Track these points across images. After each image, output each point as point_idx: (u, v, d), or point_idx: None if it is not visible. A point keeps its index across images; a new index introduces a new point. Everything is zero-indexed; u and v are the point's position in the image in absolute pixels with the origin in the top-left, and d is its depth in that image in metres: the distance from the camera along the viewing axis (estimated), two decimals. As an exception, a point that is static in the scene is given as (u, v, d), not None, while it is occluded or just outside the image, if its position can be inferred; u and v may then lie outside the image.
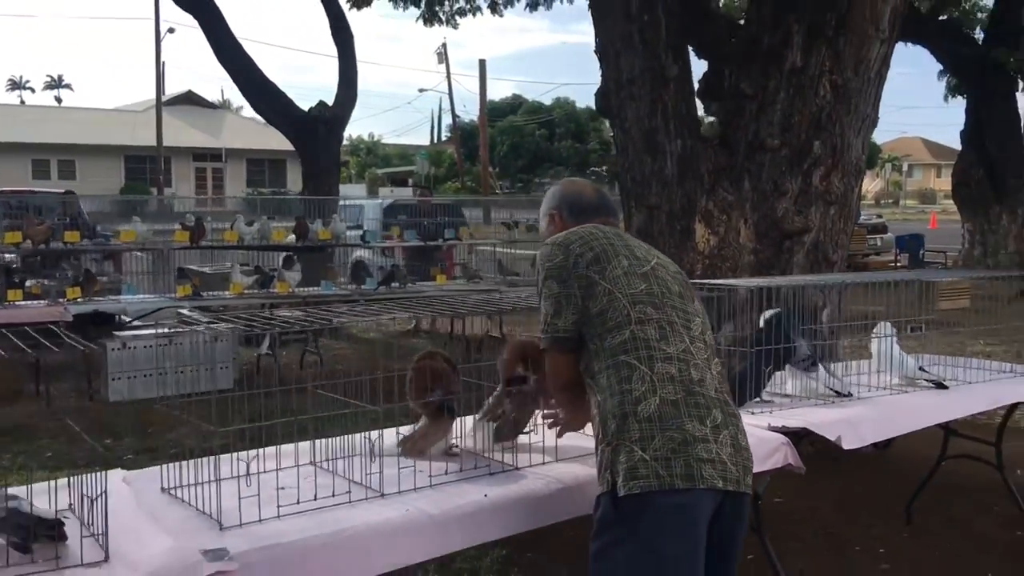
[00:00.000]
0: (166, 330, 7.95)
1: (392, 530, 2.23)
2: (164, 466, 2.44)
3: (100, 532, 2.04)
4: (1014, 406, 4.22)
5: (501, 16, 20.44)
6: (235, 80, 11.30)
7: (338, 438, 2.54)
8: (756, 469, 2.41)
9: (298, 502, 2.26)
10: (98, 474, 2.11)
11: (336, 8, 12.25)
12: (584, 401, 2.45)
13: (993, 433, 4.43)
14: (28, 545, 2.05)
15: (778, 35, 5.33)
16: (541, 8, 15.88)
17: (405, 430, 2.87)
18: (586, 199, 2.69)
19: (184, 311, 7.80)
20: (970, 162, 17.67)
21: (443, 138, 60.32)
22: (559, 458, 2.74)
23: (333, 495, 2.29)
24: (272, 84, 11.47)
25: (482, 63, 37.05)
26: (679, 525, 2.15)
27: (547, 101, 56.65)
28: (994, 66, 16.24)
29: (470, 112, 67.00)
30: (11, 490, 2.16)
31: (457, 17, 18.13)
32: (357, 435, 2.50)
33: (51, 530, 2.06)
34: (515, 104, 56.06)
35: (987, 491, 4.73)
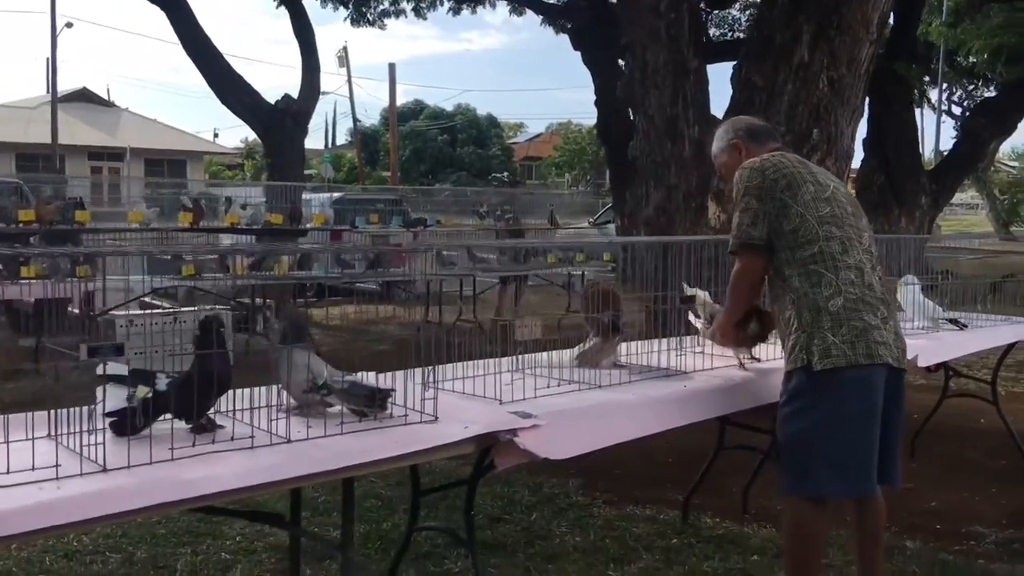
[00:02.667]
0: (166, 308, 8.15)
1: (630, 407, 2.78)
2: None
3: (430, 398, 2.50)
4: (1011, 345, 5.03)
5: (425, 19, 20.87)
6: (203, 73, 11.42)
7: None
8: None
9: (547, 386, 2.79)
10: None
11: (298, 5, 12.51)
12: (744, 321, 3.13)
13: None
14: (363, 410, 2.50)
15: (789, 33, 6.04)
16: (436, 14, 16.47)
17: (577, 348, 3.40)
18: (758, 124, 3.35)
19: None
20: (872, 168, 19.02)
21: (338, 142, 59.92)
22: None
23: (577, 383, 2.83)
24: (240, 78, 11.65)
25: (391, 66, 37.23)
26: (862, 391, 2.83)
27: (448, 107, 57.12)
28: (894, 77, 17.66)
29: (371, 116, 66.76)
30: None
31: (383, 19, 18.59)
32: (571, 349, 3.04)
33: (385, 397, 2.51)
34: (416, 109, 56.24)
35: (981, 429, 5.54)
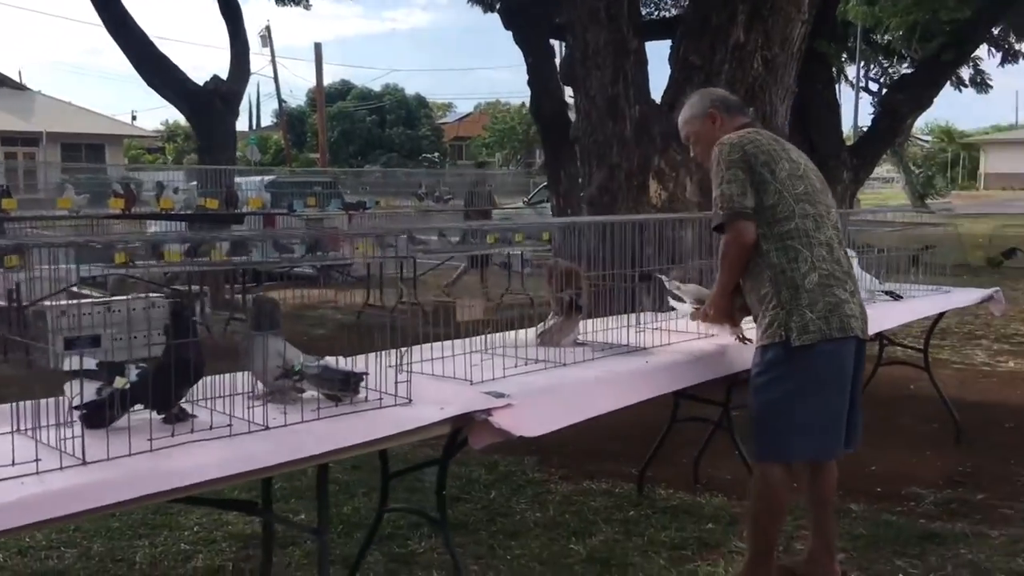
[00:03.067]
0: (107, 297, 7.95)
1: (598, 384, 2.85)
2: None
3: (403, 381, 2.52)
4: (941, 314, 5.24)
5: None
6: (128, 55, 11.10)
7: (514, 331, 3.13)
8: None
9: (515, 366, 2.83)
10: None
11: (225, -16, 12.24)
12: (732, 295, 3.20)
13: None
14: (336, 394, 2.51)
15: (725, 14, 6.15)
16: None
17: (538, 327, 3.45)
18: (732, 97, 3.44)
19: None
20: (795, 144, 19.49)
21: (263, 124, 58.85)
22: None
23: (544, 362, 2.87)
24: (167, 59, 11.37)
25: (318, 46, 36.66)
26: (834, 362, 2.98)
27: (376, 87, 56.50)
28: (815, 56, 18.06)
29: (296, 98, 65.64)
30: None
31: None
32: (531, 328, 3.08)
33: (358, 381, 2.52)
34: (344, 90, 55.50)
35: (912, 395, 5.77)
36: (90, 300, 8.10)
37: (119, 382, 2.17)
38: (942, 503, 4.18)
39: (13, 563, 3.55)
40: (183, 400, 2.34)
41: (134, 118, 67.74)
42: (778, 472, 3.03)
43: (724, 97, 3.43)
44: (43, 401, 2.20)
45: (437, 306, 8.54)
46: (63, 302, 7.92)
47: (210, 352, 2.56)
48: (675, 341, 3.45)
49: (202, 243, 8.45)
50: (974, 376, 6.96)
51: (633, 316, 3.62)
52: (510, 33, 15.46)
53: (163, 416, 2.29)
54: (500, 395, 2.54)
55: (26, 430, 2.13)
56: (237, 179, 13.79)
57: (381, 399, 2.45)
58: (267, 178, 14.51)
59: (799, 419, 2.96)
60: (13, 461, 1.87)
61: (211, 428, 2.15)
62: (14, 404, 2.21)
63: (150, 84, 11.41)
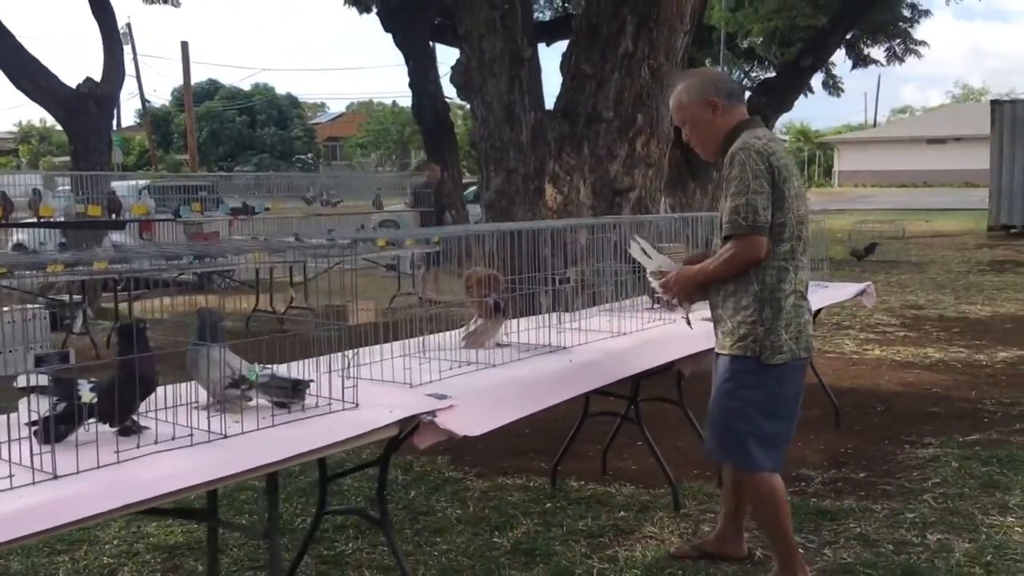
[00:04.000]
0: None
1: (529, 383, 3.02)
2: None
3: (350, 386, 2.62)
4: (818, 310, 5.64)
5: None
6: (-6, 55, 10.61)
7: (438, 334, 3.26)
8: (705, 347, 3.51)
9: (449, 368, 2.97)
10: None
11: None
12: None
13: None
14: (285, 402, 2.59)
15: (615, 24, 6.42)
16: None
17: (462, 330, 3.60)
18: (732, 82, 3.36)
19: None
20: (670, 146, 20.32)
21: (124, 124, 56.59)
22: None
23: (474, 363, 3.02)
24: (36, 60, 10.90)
25: (184, 44, 35.39)
26: (797, 379, 3.20)
27: (245, 87, 55.12)
28: (689, 62, 18.83)
29: (160, 97, 63.30)
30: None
31: (178, -3, 17.85)
32: (452, 331, 3.22)
33: (305, 388, 2.61)
34: (211, 89, 53.87)
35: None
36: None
37: (87, 396, 2.19)
38: (829, 482, 4.53)
39: (-75, 587, 3.45)
40: (134, 412, 2.37)
41: (-18, 118, 63.82)
42: (767, 478, 3.19)
43: (727, 83, 3.29)
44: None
45: (328, 310, 8.54)
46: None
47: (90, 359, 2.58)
48: (590, 340, 3.65)
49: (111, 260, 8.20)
50: (845, 364, 7.48)
51: (553, 316, 3.79)
52: (383, 33, 15.45)
53: (117, 429, 2.32)
54: (443, 396, 2.67)
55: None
56: (114, 183, 13.38)
57: (330, 404, 2.54)
58: (141, 183, 14.10)
59: (761, 431, 3.12)
60: (-13, 478, 1.89)
61: (173, 439, 2.20)
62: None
63: (17, 86, 10.91)
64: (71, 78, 12.67)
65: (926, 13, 18.80)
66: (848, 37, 18.13)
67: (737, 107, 3.22)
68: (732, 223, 3.05)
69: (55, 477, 1.95)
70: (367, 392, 2.68)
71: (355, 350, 2.69)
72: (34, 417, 2.22)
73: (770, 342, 3.09)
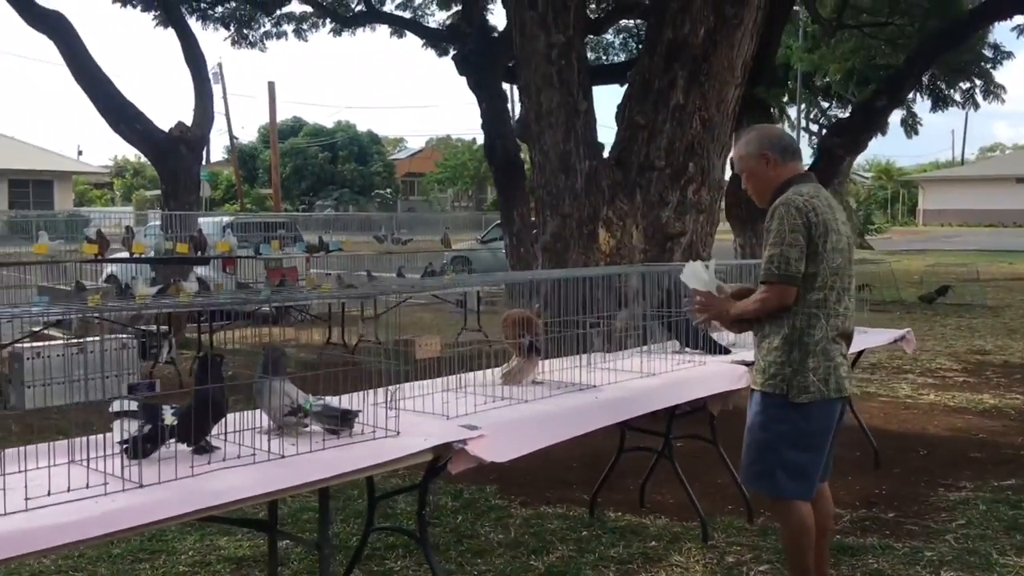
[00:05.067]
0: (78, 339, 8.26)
1: (555, 416, 3.35)
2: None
3: (392, 415, 2.98)
4: (859, 353, 5.83)
5: (306, 41, 21.14)
6: (94, 101, 11.44)
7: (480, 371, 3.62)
8: (729, 388, 3.75)
9: (484, 403, 3.32)
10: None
11: (188, 32, 12.66)
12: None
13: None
14: (336, 428, 2.97)
15: (666, 79, 6.76)
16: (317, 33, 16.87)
17: (500, 368, 3.95)
18: (787, 140, 3.56)
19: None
20: (739, 185, 20.34)
21: (213, 159, 58.88)
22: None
23: (508, 399, 3.37)
24: (132, 105, 11.72)
25: (271, 84, 36.97)
26: (825, 418, 3.42)
27: (328, 124, 56.90)
28: (755, 102, 18.97)
29: (247, 133, 65.63)
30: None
31: (264, 41, 18.82)
32: (489, 370, 3.57)
33: (353, 417, 2.99)
34: (296, 126, 55.82)
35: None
36: (63, 342, 8.40)
37: (168, 419, 2.60)
38: (857, 521, 4.73)
39: (27, 586, 3.91)
40: (208, 434, 2.78)
41: (80, 153, 67.21)
42: (797, 507, 3.42)
43: (781, 140, 3.55)
44: (92, 437, 2.62)
45: (397, 344, 8.97)
46: (35, 344, 8.22)
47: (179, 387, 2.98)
48: (620, 380, 3.97)
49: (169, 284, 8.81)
50: (896, 408, 7.58)
51: (584, 357, 4.12)
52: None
53: (192, 448, 2.73)
54: (473, 427, 3.02)
55: (80, 460, 2.55)
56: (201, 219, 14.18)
57: (374, 432, 2.92)
58: (225, 219, 14.90)
59: (786, 460, 3.38)
60: (87, 484, 2.31)
61: (239, 457, 2.60)
62: (70, 439, 2.63)
63: (115, 130, 11.75)
64: (160, 110, 13.52)
65: (1009, 55, 18.56)
66: (927, 77, 18.04)
67: (790, 163, 3.51)
68: (767, 271, 3.35)
69: (141, 486, 2.36)
70: (408, 422, 3.04)
71: (398, 386, 3.05)
72: (125, 436, 2.64)
73: (797, 382, 3.36)
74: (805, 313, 3.35)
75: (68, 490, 2.28)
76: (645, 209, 6.99)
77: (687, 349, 4.65)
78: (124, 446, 2.65)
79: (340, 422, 2.95)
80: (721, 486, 5.06)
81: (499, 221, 17.83)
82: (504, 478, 5.37)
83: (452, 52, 17.15)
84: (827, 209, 3.37)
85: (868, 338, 5.69)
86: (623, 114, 7.07)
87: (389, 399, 2.98)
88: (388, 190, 54.51)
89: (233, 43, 18.38)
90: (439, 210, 48.82)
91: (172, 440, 2.71)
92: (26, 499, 2.18)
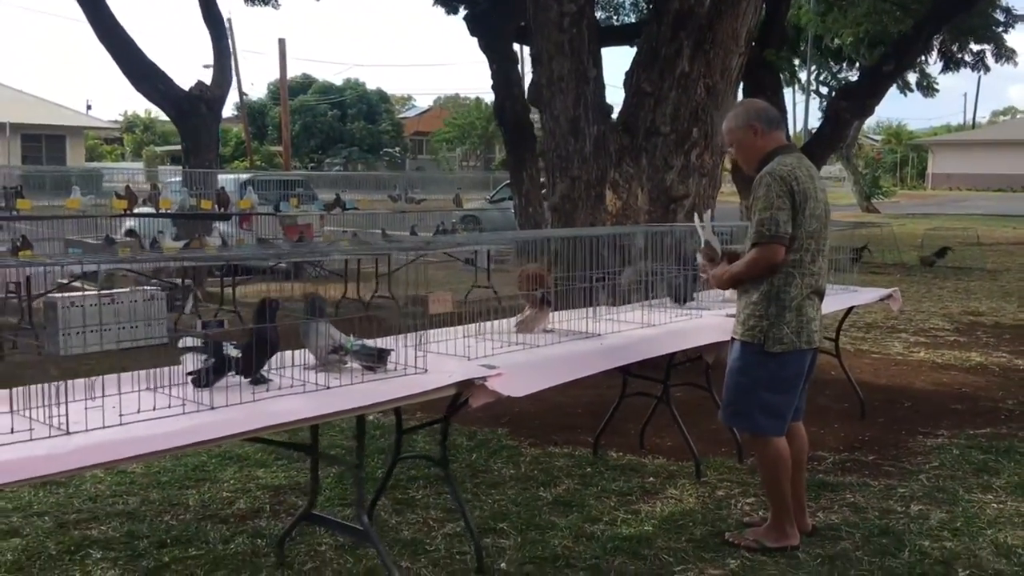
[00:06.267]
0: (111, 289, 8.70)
1: (563, 358, 3.76)
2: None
3: (421, 355, 3.39)
4: (849, 309, 6.22)
5: (319, 1, 21.12)
6: (118, 61, 11.76)
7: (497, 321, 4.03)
8: (723, 339, 4.15)
9: (501, 347, 3.73)
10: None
11: (207, -7, 12.94)
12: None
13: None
14: (372, 365, 3.38)
15: (673, 47, 7.08)
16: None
17: (515, 318, 4.35)
18: (772, 112, 3.91)
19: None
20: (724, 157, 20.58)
21: (222, 116, 58.99)
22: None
23: (522, 344, 3.78)
24: (154, 65, 12.04)
25: (281, 41, 37.11)
26: (797, 365, 3.85)
27: (337, 82, 56.93)
28: (764, 64, 19.12)
29: (256, 90, 65.62)
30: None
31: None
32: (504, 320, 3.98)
33: (387, 355, 3.40)
34: (305, 84, 55.84)
35: (831, 379, 6.75)
36: (96, 292, 8.82)
37: (233, 352, 3.02)
38: (839, 463, 5.15)
39: (88, 507, 4.36)
40: (264, 368, 3.19)
41: (89, 107, 67.34)
42: (773, 442, 3.85)
43: (765, 111, 3.88)
44: (158, 370, 3.04)
45: (411, 299, 9.37)
46: (69, 294, 8.64)
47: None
48: (623, 329, 4.37)
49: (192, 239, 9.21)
50: (887, 364, 7.98)
51: (590, 309, 4.53)
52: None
53: (250, 379, 3.14)
54: (492, 367, 3.43)
55: (157, 388, 2.97)
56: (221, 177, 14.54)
57: (405, 369, 3.33)
58: (243, 176, 15.25)
59: (763, 401, 3.80)
60: (169, 405, 2.73)
61: (292, 387, 3.02)
62: (145, 370, 3.05)
63: (137, 89, 12.08)
64: (178, 68, 13.77)
65: (1021, 19, 18.61)
66: (938, 40, 18.13)
67: (775, 132, 3.88)
68: (758, 233, 3.74)
69: (212, 408, 2.77)
70: (434, 362, 3.45)
71: (427, 330, 3.46)
72: (193, 368, 3.05)
73: (772, 334, 3.77)
74: (783, 272, 3.74)
75: (154, 409, 2.70)
76: (651, 172, 7.33)
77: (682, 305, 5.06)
78: (191, 376, 3.07)
79: (376, 360, 3.36)
80: (715, 430, 5.46)
81: (508, 181, 18.17)
82: (514, 421, 5.82)
83: (463, 12, 17.33)
84: (807, 179, 3.74)
85: (856, 296, 6.07)
86: (630, 81, 7.39)
87: (419, 342, 3.38)
88: (397, 149, 54.67)
89: (246, 1, 18.61)
90: (447, 169, 49.01)
91: (231, 373, 3.12)
92: (120, 415, 2.60)
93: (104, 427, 2.53)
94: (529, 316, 4.32)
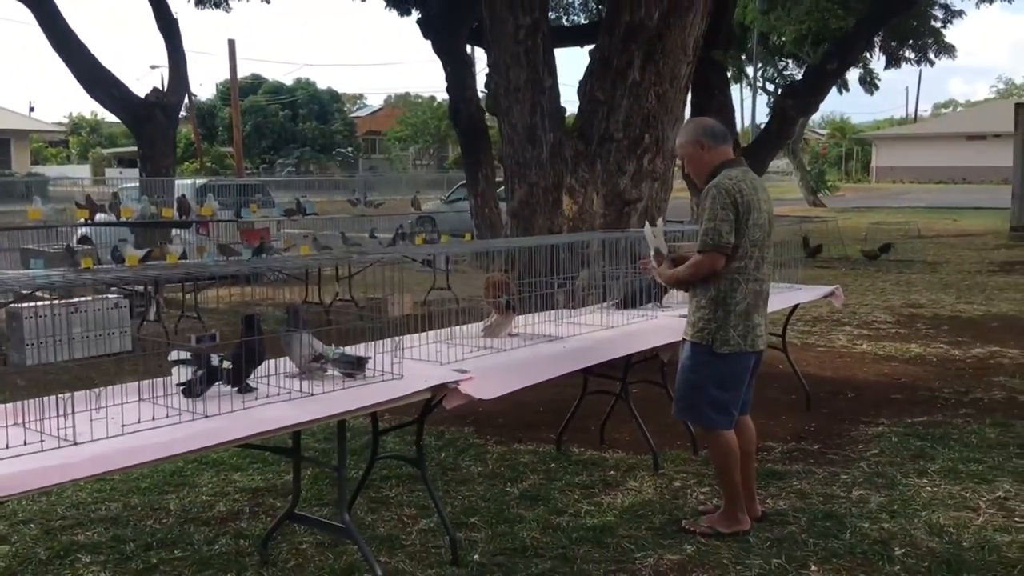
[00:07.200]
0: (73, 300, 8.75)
1: (529, 362, 4.01)
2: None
3: (397, 361, 3.62)
4: (795, 307, 6.56)
5: (269, 3, 21.23)
6: (72, 69, 11.76)
7: (464, 326, 4.26)
8: (677, 339, 4.43)
9: (471, 351, 3.97)
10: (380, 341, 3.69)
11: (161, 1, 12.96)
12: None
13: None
14: (352, 372, 3.60)
15: (624, 58, 7.37)
16: None
17: (482, 323, 4.60)
18: (718, 128, 4.17)
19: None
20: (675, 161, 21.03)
21: (173, 117, 58.24)
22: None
23: (490, 348, 4.02)
24: (108, 72, 12.04)
25: (231, 43, 36.80)
26: (742, 365, 4.13)
27: (288, 81, 56.56)
28: (712, 65, 19.56)
29: (204, 91, 64.95)
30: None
31: (228, 2, 18.99)
32: (471, 324, 4.22)
33: (365, 363, 3.62)
34: (255, 84, 55.36)
35: (779, 372, 7.09)
36: (60, 302, 8.87)
37: (225, 364, 3.22)
38: (787, 452, 5.47)
39: (72, 514, 4.52)
40: (250, 377, 3.40)
41: (32, 109, 66.06)
42: (723, 434, 4.14)
43: (711, 128, 4.17)
44: (156, 380, 3.23)
45: (369, 302, 9.56)
46: (31, 304, 8.68)
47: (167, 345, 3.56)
48: (583, 332, 4.63)
49: (153, 248, 9.30)
50: (832, 357, 8.37)
51: (552, 313, 4.79)
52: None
53: (237, 388, 3.35)
54: (464, 371, 3.67)
55: (152, 398, 3.16)
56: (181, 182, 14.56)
57: (383, 375, 3.55)
58: (199, 182, 15.29)
59: (711, 397, 4.09)
60: (167, 415, 2.92)
61: (278, 395, 3.23)
62: (140, 381, 3.23)
63: (92, 95, 12.10)
64: (125, 67, 13.73)
65: (959, 14, 19.21)
66: (879, 38, 18.67)
67: (721, 147, 4.15)
68: (703, 242, 4.04)
69: (206, 416, 2.98)
70: (409, 368, 3.68)
71: (401, 337, 3.69)
72: (182, 379, 3.25)
73: (720, 336, 4.06)
74: (728, 278, 4.03)
75: (152, 419, 2.89)
76: (605, 177, 7.63)
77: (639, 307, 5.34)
78: (181, 387, 3.27)
79: (355, 367, 3.58)
80: (671, 425, 5.75)
81: (463, 182, 18.38)
82: (480, 421, 6.06)
83: (416, 15, 17.50)
84: (751, 191, 4.04)
85: (800, 294, 6.42)
86: (584, 89, 7.67)
87: (394, 348, 3.61)
88: (349, 149, 54.50)
89: (197, 4, 18.58)
90: (400, 169, 49.06)
91: (219, 382, 3.32)
92: (122, 426, 2.79)
93: (108, 437, 2.72)
94: (495, 321, 4.56)
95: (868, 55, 20.17)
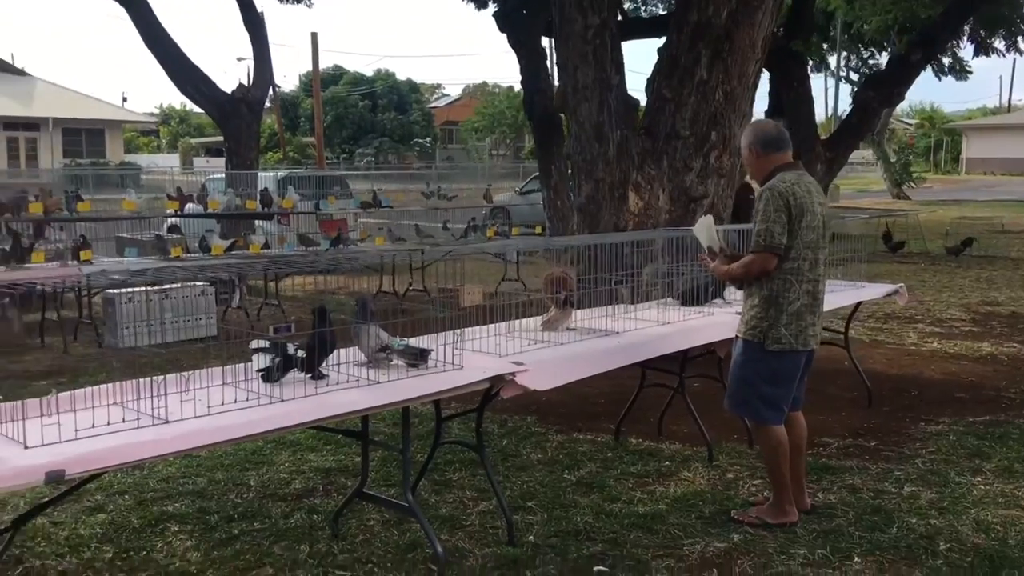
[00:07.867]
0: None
1: (585, 355, 4.21)
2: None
3: (457, 352, 3.86)
4: (858, 304, 6.61)
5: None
6: (163, 66, 12.33)
7: (525, 319, 4.49)
8: (733, 335, 4.57)
9: (528, 344, 4.19)
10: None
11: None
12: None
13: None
14: (415, 363, 3.86)
15: (692, 56, 7.48)
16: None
17: (541, 317, 4.81)
18: (771, 135, 4.29)
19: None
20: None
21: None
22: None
23: (547, 342, 4.24)
24: (197, 68, 12.60)
25: (314, 35, 37.65)
26: (794, 363, 4.28)
27: (368, 72, 57.49)
28: (792, 55, 19.33)
29: (288, 82, 66.42)
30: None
31: (311, -4, 19.45)
32: (530, 319, 4.44)
33: (428, 354, 3.87)
34: (336, 75, 56.40)
35: (843, 369, 7.14)
36: (151, 288, 9.38)
37: (299, 352, 3.51)
38: (843, 448, 5.56)
39: (162, 487, 4.89)
40: (322, 365, 3.69)
41: (125, 100, 68.44)
42: (773, 429, 4.30)
43: (764, 135, 4.32)
44: (238, 365, 3.53)
45: (440, 293, 9.85)
46: (127, 290, 9.21)
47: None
48: (640, 327, 4.82)
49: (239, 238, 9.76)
50: (900, 354, 8.35)
51: (609, 308, 4.98)
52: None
53: (310, 375, 3.64)
54: (520, 363, 3.90)
55: (234, 382, 3.47)
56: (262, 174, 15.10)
57: (444, 366, 3.81)
58: (280, 174, 15.83)
59: (762, 393, 4.25)
60: (247, 398, 3.23)
61: (348, 382, 3.51)
62: (223, 367, 3.55)
63: (182, 91, 12.66)
64: (211, 59, 14.23)
65: (1051, 6, 18.60)
66: (968, 26, 18.21)
67: (773, 155, 4.30)
68: (755, 242, 4.22)
69: (282, 400, 3.27)
70: (469, 359, 3.92)
71: (462, 330, 3.94)
72: (261, 366, 3.55)
73: (771, 334, 4.21)
74: (781, 278, 4.18)
75: (235, 401, 3.20)
76: (671, 174, 7.75)
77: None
78: (261, 372, 3.57)
79: (418, 358, 3.84)
80: (727, 419, 5.85)
81: (537, 173, 18.56)
82: (542, 410, 6.29)
83: (493, 7, 17.71)
84: (805, 194, 4.16)
85: (863, 292, 6.46)
86: (652, 87, 7.80)
87: (456, 341, 3.86)
88: (427, 139, 55.14)
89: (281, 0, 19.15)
90: (477, 159, 49.44)
91: (294, 369, 3.61)
92: (208, 407, 3.10)
93: (196, 416, 3.03)
94: (553, 316, 4.78)
95: (956, 43, 19.69)
